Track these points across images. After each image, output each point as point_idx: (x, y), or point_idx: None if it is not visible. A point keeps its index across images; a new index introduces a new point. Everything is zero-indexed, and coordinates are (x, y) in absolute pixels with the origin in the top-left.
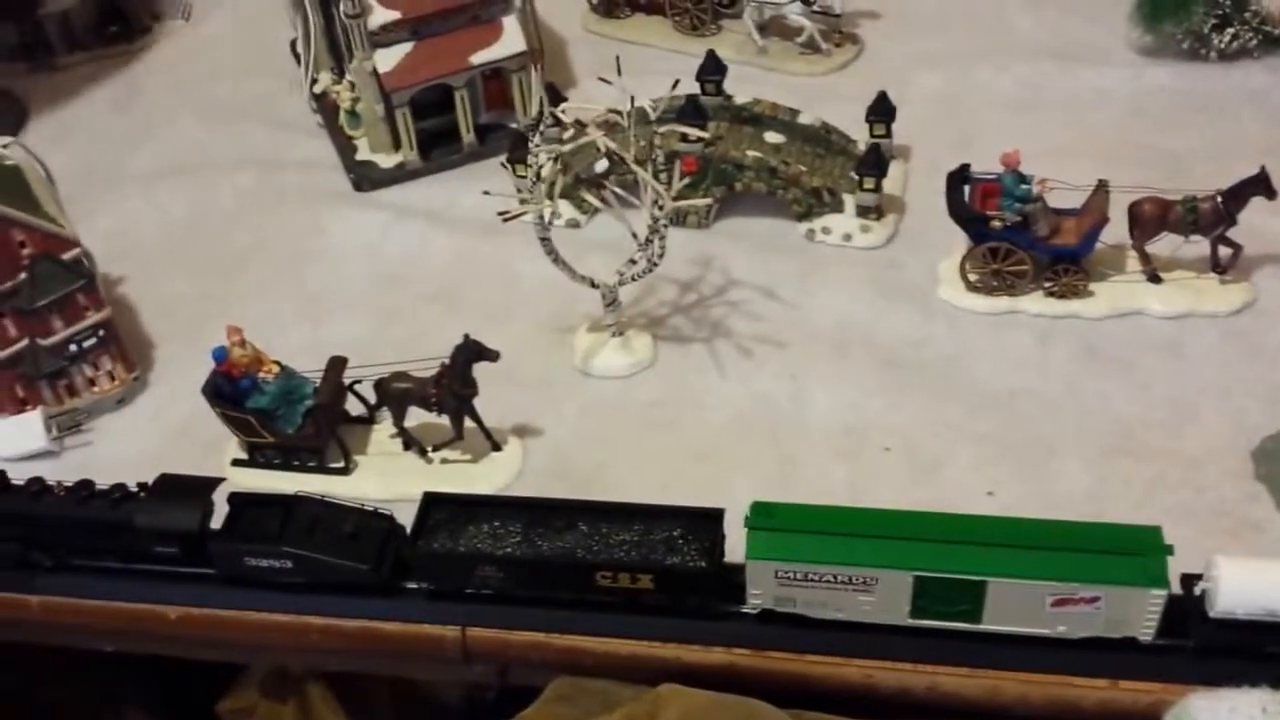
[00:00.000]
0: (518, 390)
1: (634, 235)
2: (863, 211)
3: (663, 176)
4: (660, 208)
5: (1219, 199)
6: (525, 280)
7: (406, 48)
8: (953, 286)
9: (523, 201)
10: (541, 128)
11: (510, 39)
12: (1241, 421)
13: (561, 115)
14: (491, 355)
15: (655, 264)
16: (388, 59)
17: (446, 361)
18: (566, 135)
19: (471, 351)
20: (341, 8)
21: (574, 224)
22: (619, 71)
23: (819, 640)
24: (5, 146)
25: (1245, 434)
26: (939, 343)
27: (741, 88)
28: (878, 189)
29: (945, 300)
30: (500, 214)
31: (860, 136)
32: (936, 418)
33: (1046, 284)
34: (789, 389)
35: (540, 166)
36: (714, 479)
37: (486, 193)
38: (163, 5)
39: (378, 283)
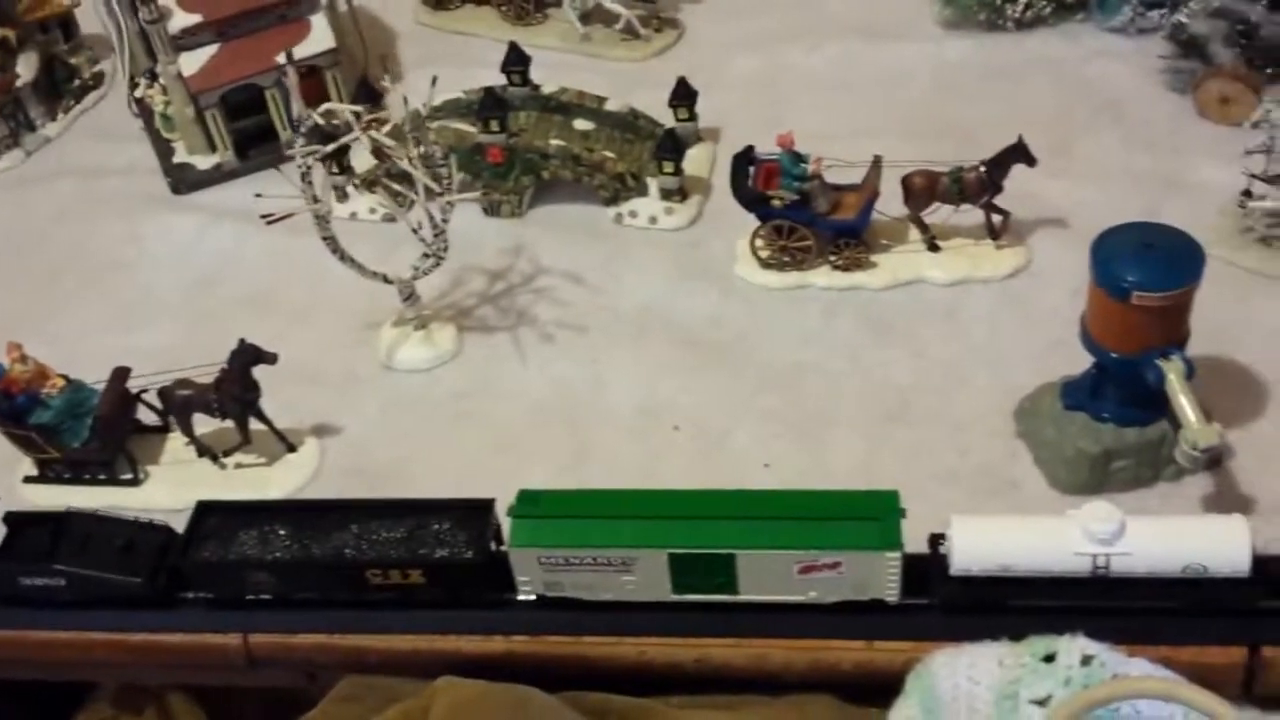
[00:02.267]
0: (320, 389)
1: (414, 230)
2: (666, 194)
3: (444, 171)
4: (444, 203)
5: (982, 168)
6: (334, 278)
7: (212, 49)
8: (749, 264)
9: (314, 200)
10: (302, 128)
11: (319, 37)
12: (1009, 382)
13: (319, 117)
14: (269, 358)
15: (441, 258)
16: (193, 61)
17: (225, 366)
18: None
19: (248, 355)
20: (140, 14)
21: (389, 218)
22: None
23: (591, 622)
24: None
25: (1012, 395)
26: (734, 321)
27: (566, 75)
28: (677, 172)
29: (742, 278)
30: (263, 216)
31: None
32: (725, 395)
33: (832, 258)
34: (588, 374)
35: (307, 167)
36: (512, 469)
37: (259, 195)
38: None
39: (191, 287)
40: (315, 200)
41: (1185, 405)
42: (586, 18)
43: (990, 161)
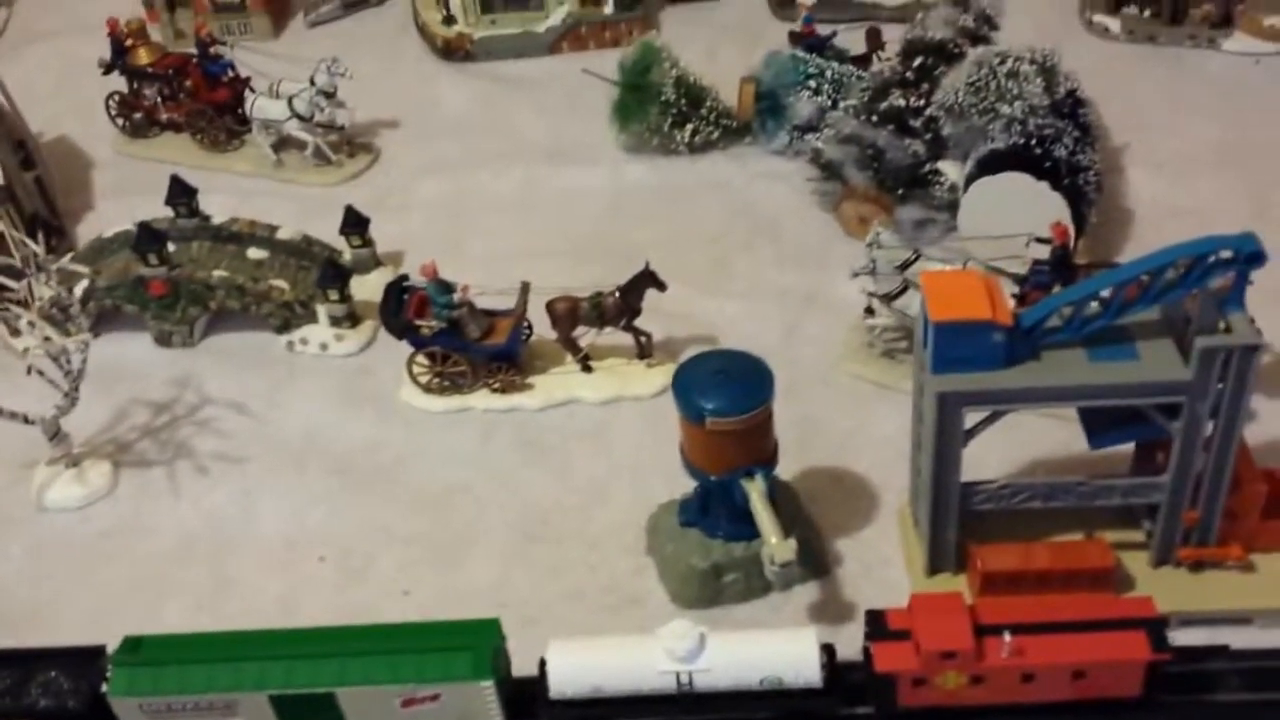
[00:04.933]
0: None
1: (38, 373)
2: (336, 321)
3: (74, 311)
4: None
5: (618, 294)
6: None
7: None
8: (413, 389)
9: None
10: None
11: None
12: (646, 497)
13: None
14: None
15: (74, 397)
16: None
17: None
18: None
19: None
20: None
21: (52, 355)
22: None
23: None
24: None
25: (648, 509)
26: (394, 445)
27: (260, 201)
28: (344, 299)
29: (406, 402)
30: None
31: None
32: (374, 522)
33: (490, 381)
34: (240, 506)
35: None
36: (149, 607)
37: None
38: None
39: None
40: None
41: (764, 523)
42: (279, 144)
43: (624, 287)
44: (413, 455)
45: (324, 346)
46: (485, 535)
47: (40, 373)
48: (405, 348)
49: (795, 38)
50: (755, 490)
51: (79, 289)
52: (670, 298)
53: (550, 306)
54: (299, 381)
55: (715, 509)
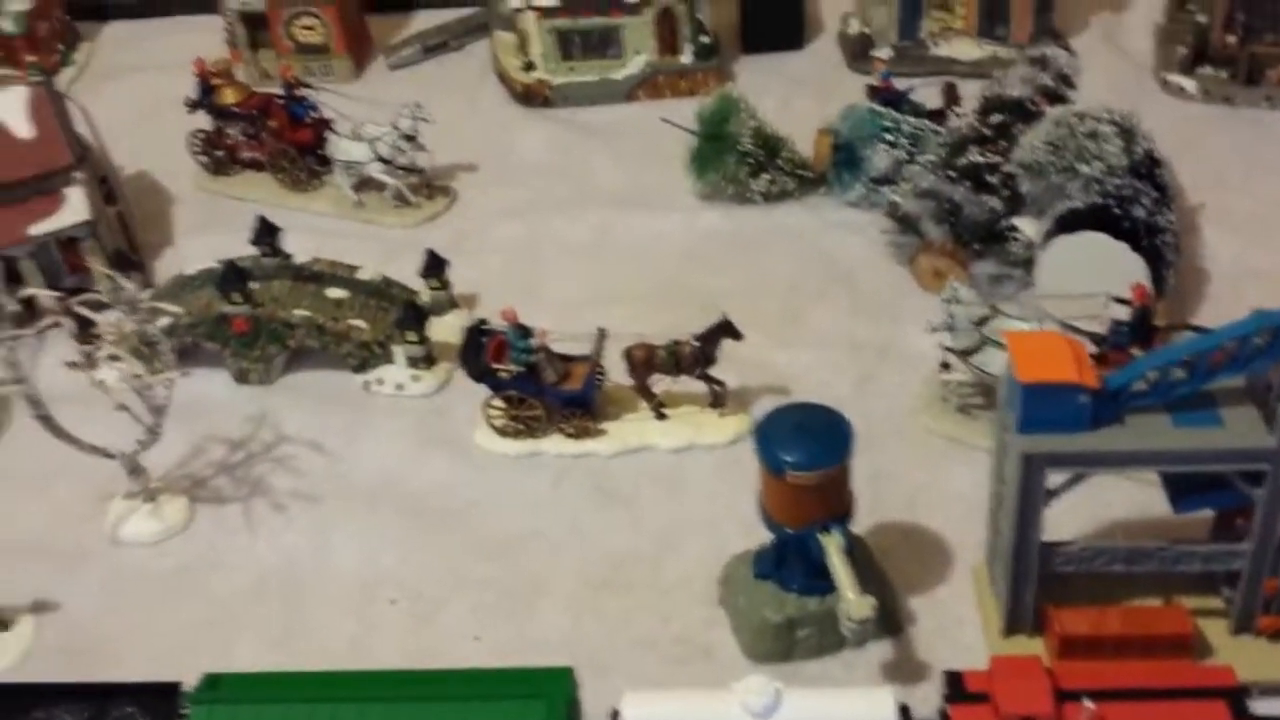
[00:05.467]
0: (43, 564)
1: (124, 408)
2: (413, 362)
3: (160, 349)
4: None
5: (695, 343)
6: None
7: None
8: (487, 431)
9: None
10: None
11: (74, 209)
12: (719, 547)
13: (17, 304)
14: None
15: (157, 432)
16: None
17: None
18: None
19: None
20: None
21: (140, 389)
22: None
23: None
24: None
25: (722, 561)
26: (467, 488)
27: (339, 241)
28: (421, 341)
29: (480, 445)
30: None
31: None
32: (446, 565)
33: (563, 426)
34: (314, 545)
35: (13, 351)
36: (221, 644)
37: None
38: None
39: None
40: (19, 383)
41: (842, 578)
42: (360, 185)
43: (701, 336)
44: (485, 498)
45: (400, 387)
46: (556, 581)
47: (125, 407)
48: (480, 390)
49: (872, 91)
50: (833, 545)
51: (162, 324)
52: (743, 346)
53: (627, 353)
54: (374, 421)
55: (790, 562)
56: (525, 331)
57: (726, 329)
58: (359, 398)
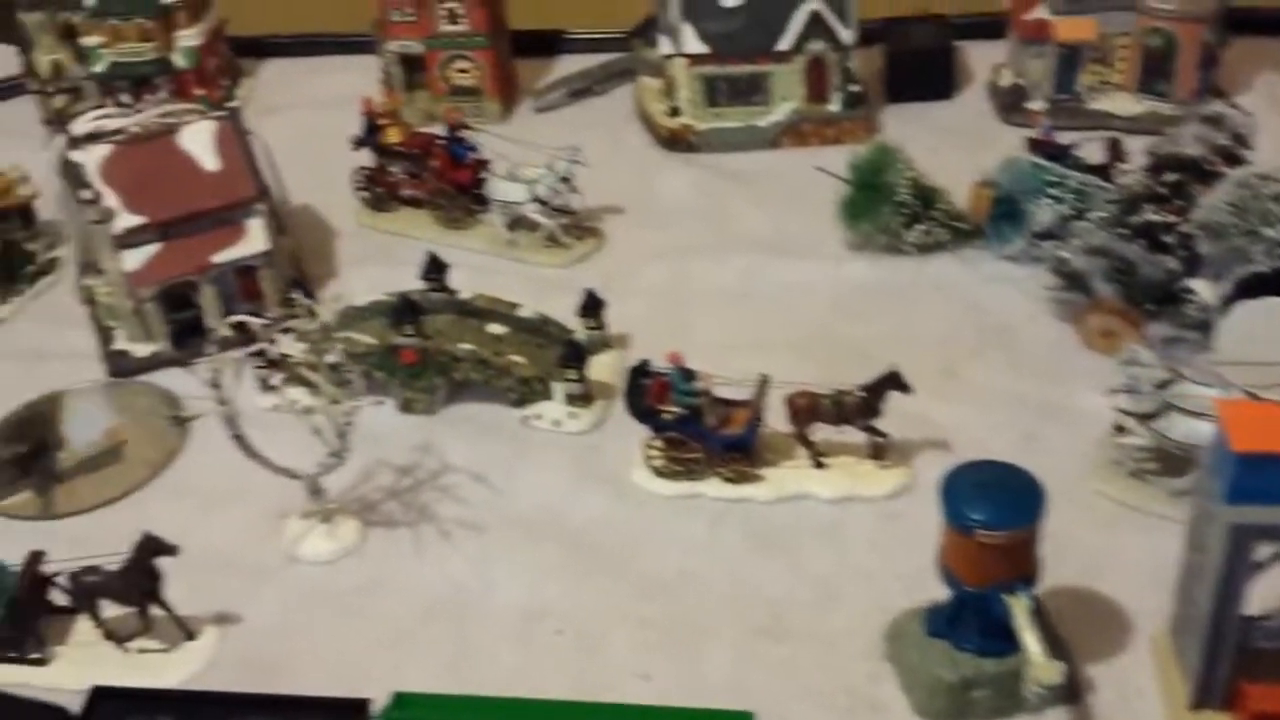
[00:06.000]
0: (228, 576)
1: (316, 433)
2: (571, 399)
3: (348, 377)
4: (345, 407)
5: (861, 393)
6: (256, 467)
7: (154, 248)
8: (644, 471)
9: (222, 403)
10: (212, 338)
11: (254, 239)
12: (882, 603)
13: (228, 329)
14: (169, 549)
15: (342, 459)
16: (136, 258)
17: (131, 555)
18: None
19: (149, 548)
20: (85, 215)
21: (309, 410)
22: None
23: None
24: None
25: (884, 615)
26: (625, 525)
27: (491, 277)
28: (581, 379)
29: (637, 484)
30: (172, 418)
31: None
32: (608, 601)
33: (721, 469)
34: (478, 573)
35: (218, 374)
36: (395, 667)
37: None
38: None
39: None
40: (223, 404)
41: (1029, 641)
42: (513, 224)
43: (868, 388)
44: (644, 536)
45: (557, 423)
46: (717, 624)
47: (319, 431)
48: (634, 430)
49: (1034, 145)
50: (1020, 607)
51: (336, 353)
52: (899, 398)
53: (790, 400)
54: (533, 455)
55: (967, 621)
56: (690, 375)
57: (894, 381)
58: (517, 431)
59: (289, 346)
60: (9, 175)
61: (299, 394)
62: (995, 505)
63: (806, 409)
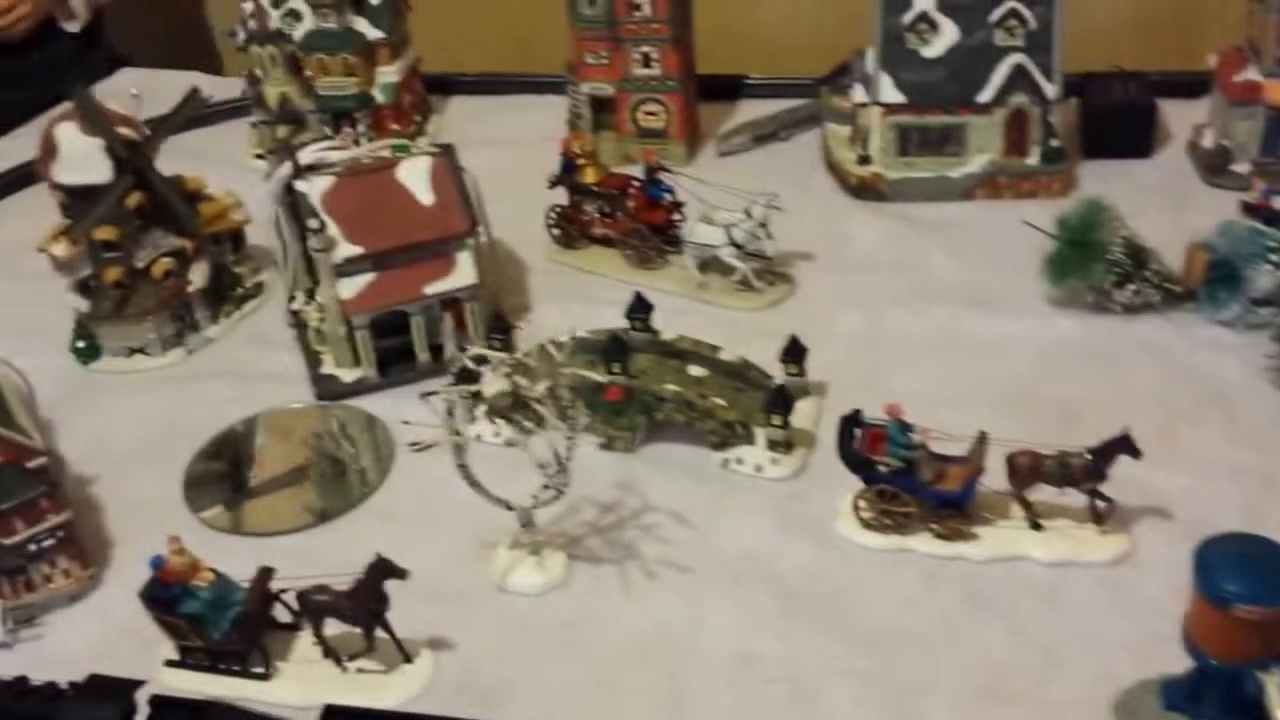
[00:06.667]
0: (439, 602)
1: (540, 466)
2: (773, 445)
3: (570, 410)
4: (569, 439)
5: (1089, 456)
6: (460, 494)
7: (369, 277)
8: (850, 522)
9: (455, 432)
10: (451, 368)
11: (463, 272)
12: (1108, 671)
13: (469, 360)
14: (400, 573)
15: (562, 491)
16: (350, 287)
17: (362, 576)
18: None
19: (381, 570)
20: (309, 243)
21: (511, 443)
22: None
23: None
24: None
25: (1109, 684)
26: (833, 576)
27: (681, 319)
28: (785, 425)
29: (842, 535)
30: (411, 444)
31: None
32: (820, 653)
33: (933, 526)
34: (688, 615)
35: (452, 404)
36: (607, 704)
37: (406, 422)
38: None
39: None
40: (457, 434)
41: None
42: (704, 266)
43: (1096, 450)
44: (854, 589)
45: (758, 469)
46: (937, 685)
47: (543, 466)
48: (835, 478)
49: (1250, 209)
50: (1273, 685)
51: (541, 387)
52: (1118, 463)
53: (1012, 459)
54: (735, 499)
55: (1209, 696)
56: (906, 427)
57: (1125, 445)
58: (717, 475)
59: (501, 379)
60: (224, 200)
61: (502, 426)
62: (1256, 580)
63: (1029, 469)
